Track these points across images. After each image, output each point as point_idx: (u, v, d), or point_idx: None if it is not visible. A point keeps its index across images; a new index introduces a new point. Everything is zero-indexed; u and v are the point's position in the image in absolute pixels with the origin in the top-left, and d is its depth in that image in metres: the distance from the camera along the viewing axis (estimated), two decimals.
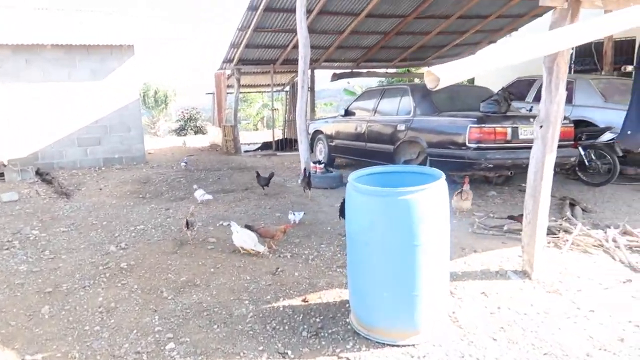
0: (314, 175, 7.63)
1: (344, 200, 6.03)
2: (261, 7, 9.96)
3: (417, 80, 16.13)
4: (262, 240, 4.66)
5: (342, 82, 15.85)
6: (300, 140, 8.13)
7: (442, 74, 2.63)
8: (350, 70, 13.53)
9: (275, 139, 13.06)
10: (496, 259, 4.39)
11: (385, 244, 2.88)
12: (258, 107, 24.23)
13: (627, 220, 5.40)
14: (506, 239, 4.96)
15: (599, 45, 11.16)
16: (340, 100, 32.42)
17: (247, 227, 4.79)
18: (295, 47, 11.99)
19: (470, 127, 6.05)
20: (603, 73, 10.62)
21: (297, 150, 13.34)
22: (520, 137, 6.25)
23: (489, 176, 7.12)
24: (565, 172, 7.79)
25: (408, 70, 15.69)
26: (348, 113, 8.86)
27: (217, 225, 5.64)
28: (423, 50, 13.69)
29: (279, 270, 4.17)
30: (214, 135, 13.99)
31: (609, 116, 7.89)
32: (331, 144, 9.26)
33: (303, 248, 4.78)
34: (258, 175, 7.39)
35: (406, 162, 7.48)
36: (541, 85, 3.92)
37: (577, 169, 7.57)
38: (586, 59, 13.17)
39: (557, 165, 7.01)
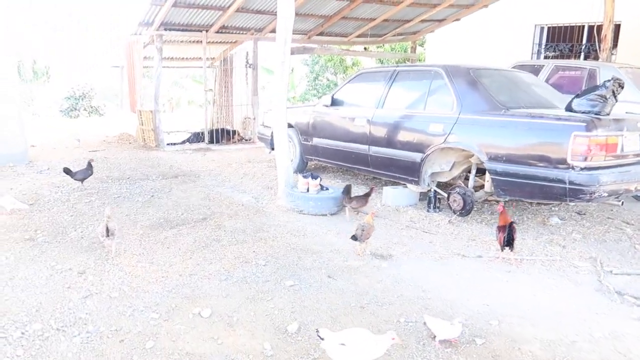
0: (306, 195, 5.21)
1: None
2: None
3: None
4: None
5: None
6: (277, 139, 5.64)
7: None
8: (302, 46, 11.02)
9: (208, 127, 10.23)
10: None
11: None
12: (168, 86, 20.63)
13: None
14: None
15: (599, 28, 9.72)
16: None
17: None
18: (239, 10, 9.25)
19: (576, 135, 4.02)
20: (600, 60, 9.25)
21: (235, 143, 10.68)
22: (625, 149, 4.37)
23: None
24: None
25: (365, 48, 13.47)
26: (335, 102, 6.46)
27: (190, 317, 3.05)
28: (384, 25, 11.56)
29: None
30: (123, 122, 10.75)
31: None
32: (307, 142, 6.82)
33: None
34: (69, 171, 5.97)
35: (433, 175, 5.36)
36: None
37: None
38: (560, 44, 12.02)
39: None
